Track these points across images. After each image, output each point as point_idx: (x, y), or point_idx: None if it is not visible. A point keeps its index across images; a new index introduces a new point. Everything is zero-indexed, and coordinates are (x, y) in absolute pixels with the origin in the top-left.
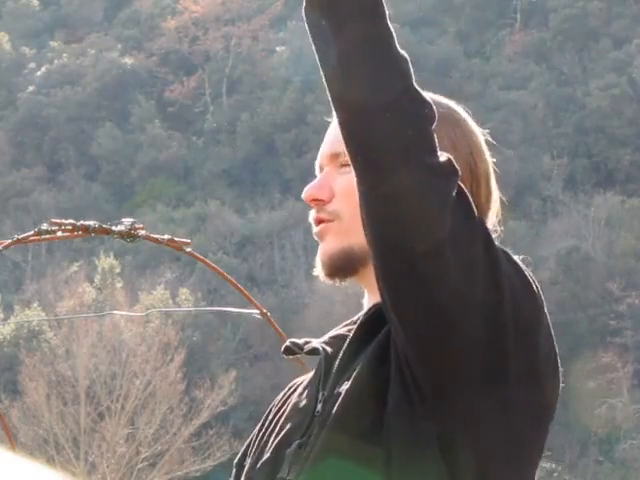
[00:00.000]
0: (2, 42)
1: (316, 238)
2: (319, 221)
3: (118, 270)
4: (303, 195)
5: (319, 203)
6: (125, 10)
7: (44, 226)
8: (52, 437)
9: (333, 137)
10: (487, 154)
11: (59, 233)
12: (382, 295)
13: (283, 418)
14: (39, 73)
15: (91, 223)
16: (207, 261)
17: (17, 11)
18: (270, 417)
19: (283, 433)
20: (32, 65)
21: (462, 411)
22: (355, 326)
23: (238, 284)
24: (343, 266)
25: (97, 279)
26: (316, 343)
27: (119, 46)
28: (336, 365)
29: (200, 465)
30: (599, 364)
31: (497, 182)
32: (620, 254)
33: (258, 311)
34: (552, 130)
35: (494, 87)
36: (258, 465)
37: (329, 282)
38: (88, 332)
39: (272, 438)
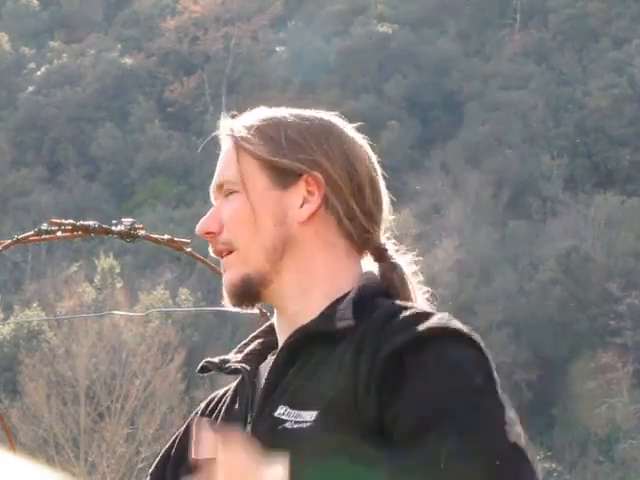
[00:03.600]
0: (2, 42)
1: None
2: (219, 253)
3: (118, 270)
4: (196, 231)
5: (212, 236)
6: (125, 10)
7: (44, 226)
8: (52, 437)
9: (218, 168)
10: (371, 159)
11: (59, 233)
12: None
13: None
14: (39, 73)
15: (91, 223)
16: (207, 261)
17: (17, 11)
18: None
19: None
20: (32, 65)
21: None
22: (278, 350)
23: None
24: (246, 294)
25: (97, 279)
26: (235, 363)
27: (119, 46)
28: (262, 386)
29: None
30: (599, 364)
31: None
32: (620, 254)
33: (258, 311)
34: (552, 130)
35: (494, 87)
36: None
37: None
38: (88, 332)
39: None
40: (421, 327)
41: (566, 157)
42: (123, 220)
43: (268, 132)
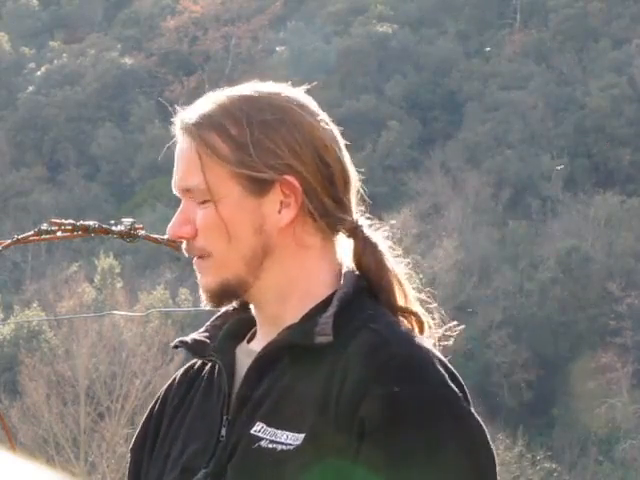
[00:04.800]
0: (2, 42)
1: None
2: (192, 255)
3: (118, 270)
4: (168, 233)
5: (186, 239)
6: (125, 10)
7: (44, 226)
8: (52, 437)
9: (184, 169)
10: (335, 137)
11: (59, 233)
12: None
13: (185, 430)
14: (39, 73)
15: (91, 223)
16: None
17: (17, 11)
18: (168, 416)
19: (187, 455)
20: (32, 65)
21: None
22: (253, 360)
23: None
24: (226, 296)
25: (97, 279)
26: (210, 351)
27: (119, 46)
28: (235, 393)
29: None
30: (599, 364)
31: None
32: (620, 254)
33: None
34: (552, 130)
35: (494, 87)
36: None
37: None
38: (88, 332)
39: (175, 453)
40: (404, 389)
41: (566, 157)
42: (123, 220)
43: (231, 132)
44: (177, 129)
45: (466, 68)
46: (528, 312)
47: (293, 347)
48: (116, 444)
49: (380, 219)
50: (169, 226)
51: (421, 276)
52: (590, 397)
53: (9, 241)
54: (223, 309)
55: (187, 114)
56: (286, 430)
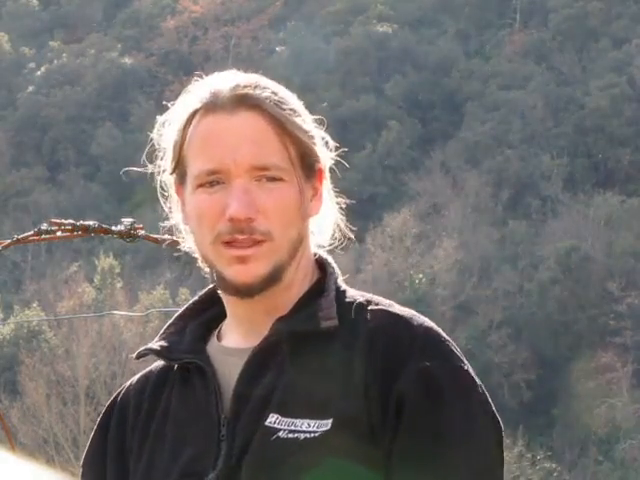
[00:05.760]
0: (2, 42)
1: (234, 258)
2: (247, 241)
3: (118, 270)
4: (234, 213)
5: (251, 222)
6: (125, 10)
7: (44, 226)
8: (52, 437)
9: (259, 145)
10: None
11: (59, 233)
12: None
13: (171, 438)
14: (39, 73)
15: (91, 223)
16: None
17: (17, 11)
18: (138, 428)
19: (183, 461)
20: (32, 65)
21: None
22: (254, 349)
23: None
24: (270, 284)
25: (97, 279)
26: (188, 356)
27: (119, 46)
28: (233, 390)
29: None
30: (599, 364)
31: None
32: (620, 254)
33: None
34: (552, 130)
35: (494, 87)
36: None
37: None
38: (88, 332)
39: (163, 463)
40: (435, 364)
41: (566, 157)
42: (123, 220)
43: (299, 113)
44: (229, 101)
45: (466, 68)
46: (528, 312)
47: (295, 335)
48: None
49: (380, 219)
50: (233, 208)
51: (421, 276)
52: (590, 397)
53: (9, 241)
54: (173, 317)
55: (245, 89)
56: (306, 418)
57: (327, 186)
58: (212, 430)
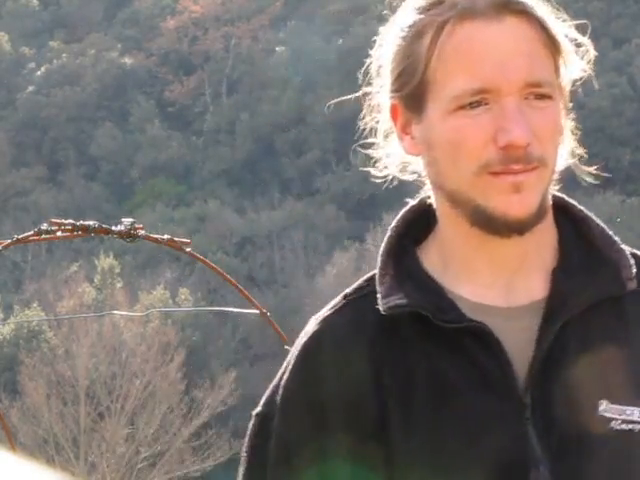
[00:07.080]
0: (2, 42)
1: (508, 186)
2: (527, 168)
3: (118, 270)
4: (515, 140)
5: (527, 148)
6: (125, 10)
7: (44, 226)
8: (52, 437)
9: (533, 58)
10: None
11: (59, 233)
12: None
13: (457, 412)
14: (39, 73)
15: (91, 223)
16: (207, 261)
17: (17, 11)
18: (399, 391)
19: (491, 444)
20: (32, 65)
21: None
22: (550, 320)
23: (238, 284)
24: (537, 220)
25: (97, 279)
26: (468, 319)
27: (119, 46)
28: (537, 364)
29: (200, 465)
30: None
31: None
32: None
33: (258, 311)
34: None
35: None
36: None
37: (517, 236)
38: (88, 332)
39: (459, 445)
40: None
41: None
42: (123, 220)
43: (556, 17)
44: (492, 4)
45: None
46: None
47: (601, 301)
48: (116, 444)
49: (380, 219)
50: (515, 134)
51: None
52: None
53: (9, 241)
54: (383, 262)
55: None
56: (636, 406)
57: (567, 105)
58: (512, 412)
